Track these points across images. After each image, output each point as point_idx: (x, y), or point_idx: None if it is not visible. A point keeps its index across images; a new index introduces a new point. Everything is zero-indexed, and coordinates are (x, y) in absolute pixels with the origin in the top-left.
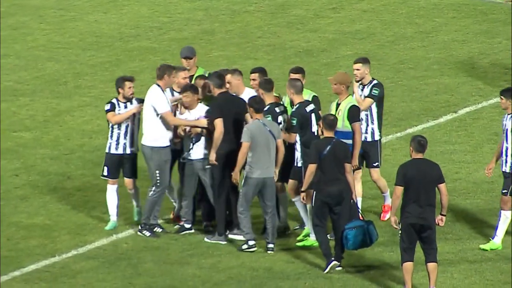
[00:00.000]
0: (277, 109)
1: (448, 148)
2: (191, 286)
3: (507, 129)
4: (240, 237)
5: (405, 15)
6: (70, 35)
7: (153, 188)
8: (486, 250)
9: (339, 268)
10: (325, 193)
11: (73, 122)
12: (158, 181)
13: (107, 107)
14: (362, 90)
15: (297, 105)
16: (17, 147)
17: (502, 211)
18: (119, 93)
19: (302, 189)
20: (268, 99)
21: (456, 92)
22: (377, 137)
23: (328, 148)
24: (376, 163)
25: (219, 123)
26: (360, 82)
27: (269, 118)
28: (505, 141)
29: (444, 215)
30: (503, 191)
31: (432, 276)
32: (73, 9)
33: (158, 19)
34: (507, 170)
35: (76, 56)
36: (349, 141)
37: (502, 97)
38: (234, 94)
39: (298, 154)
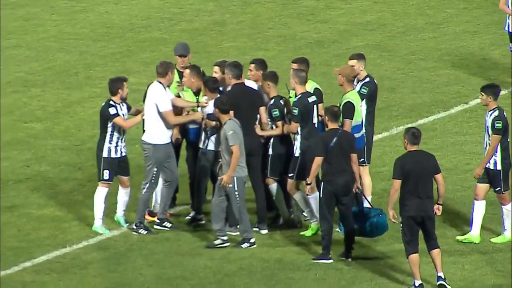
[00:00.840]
0: (281, 102)
1: (459, 139)
2: (202, 277)
3: (487, 126)
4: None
5: (416, 6)
6: (81, 26)
7: (147, 185)
8: (497, 243)
9: (349, 260)
10: (333, 185)
11: (84, 113)
12: (153, 178)
13: (113, 111)
14: (356, 86)
15: (300, 96)
16: (28, 138)
17: (502, 207)
18: (117, 94)
19: (308, 181)
20: (274, 91)
21: (467, 83)
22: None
23: (334, 139)
24: (362, 159)
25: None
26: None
27: (276, 113)
28: (486, 138)
29: (441, 204)
30: (496, 189)
31: (438, 262)
32: (84, 0)
33: (169, 10)
34: (491, 167)
35: (87, 47)
36: (358, 135)
37: (482, 93)
38: (249, 86)
39: (297, 144)
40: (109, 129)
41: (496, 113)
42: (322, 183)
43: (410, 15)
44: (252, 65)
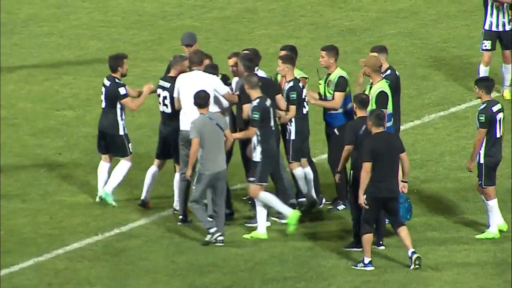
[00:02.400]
0: (300, 85)
1: None
2: (233, 265)
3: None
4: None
5: None
6: (113, 13)
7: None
8: (483, 238)
9: (382, 248)
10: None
11: None
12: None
13: (123, 91)
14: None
15: (258, 100)
16: (60, 125)
17: (486, 202)
18: (117, 71)
19: (339, 169)
20: (291, 74)
21: (500, 71)
22: None
23: (364, 127)
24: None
25: (245, 109)
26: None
27: (294, 96)
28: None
29: (406, 182)
30: (478, 183)
31: (407, 238)
32: None
33: None
34: (477, 160)
35: (119, 35)
36: (389, 124)
37: (475, 86)
38: (265, 76)
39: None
40: (119, 107)
41: (483, 106)
42: (352, 171)
43: (442, 2)
44: (284, 52)
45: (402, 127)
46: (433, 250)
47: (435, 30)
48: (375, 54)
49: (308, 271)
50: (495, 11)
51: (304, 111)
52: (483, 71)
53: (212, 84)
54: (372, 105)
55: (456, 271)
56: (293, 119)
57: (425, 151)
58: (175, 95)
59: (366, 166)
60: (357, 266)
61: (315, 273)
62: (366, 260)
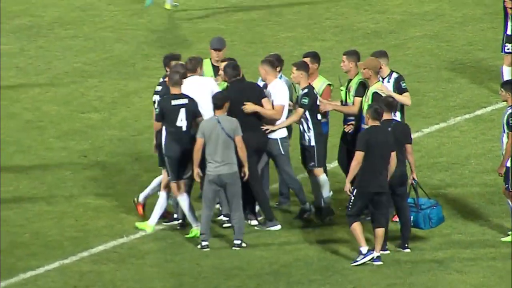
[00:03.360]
0: (315, 91)
1: None
2: (258, 268)
3: (503, 123)
4: (256, 222)
5: None
6: (138, 16)
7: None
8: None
9: (407, 250)
10: (392, 177)
11: (141, 104)
12: None
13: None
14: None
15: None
16: (86, 128)
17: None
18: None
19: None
20: (305, 81)
21: None
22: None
23: (389, 130)
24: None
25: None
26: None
27: (305, 101)
28: (504, 136)
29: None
30: (505, 186)
31: (379, 241)
32: None
33: (226, 0)
34: (508, 164)
35: (145, 38)
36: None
37: (501, 89)
38: (249, 82)
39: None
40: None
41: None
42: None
43: (468, 5)
44: (307, 59)
45: (427, 130)
46: (459, 253)
47: (460, 32)
48: (374, 57)
49: (333, 274)
50: None
51: (319, 116)
52: (507, 72)
53: (209, 87)
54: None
55: (482, 274)
56: (311, 127)
57: (451, 154)
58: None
59: (358, 155)
60: (357, 261)
61: (340, 276)
62: (364, 250)
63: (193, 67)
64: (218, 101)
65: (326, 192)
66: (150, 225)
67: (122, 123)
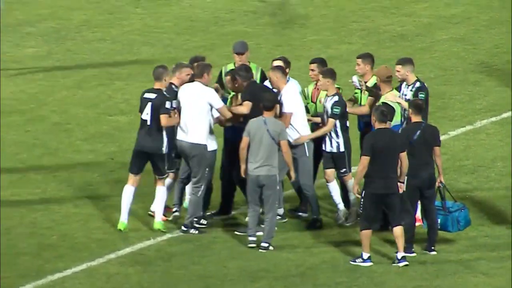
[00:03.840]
0: (343, 99)
1: None
2: (284, 270)
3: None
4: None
5: None
6: (165, 19)
7: (202, 186)
8: None
9: (434, 253)
10: (418, 178)
11: None
12: (205, 180)
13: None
14: (405, 89)
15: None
16: (113, 130)
17: None
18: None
19: (401, 180)
20: (333, 89)
21: None
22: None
23: (418, 132)
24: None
25: (247, 105)
26: (404, 82)
27: (337, 110)
28: None
29: (403, 182)
30: None
31: (400, 240)
32: None
33: (253, 3)
34: None
35: (171, 41)
36: None
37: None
38: (263, 85)
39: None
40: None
41: None
42: (406, 177)
43: (494, 8)
44: (314, 65)
45: (453, 133)
46: (485, 256)
47: (487, 35)
48: (400, 66)
49: (360, 276)
50: None
51: (348, 123)
52: None
53: (206, 98)
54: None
55: (508, 277)
56: (339, 132)
57: (477, 157)
58: (175, 105)
59: (364, 160)
60: (355, 262)
61: (366, 278)
62: (365, 256)
63: (200, 72)
64: (268, 103)
65: (352, 195)
66: (157, 222)
67: None
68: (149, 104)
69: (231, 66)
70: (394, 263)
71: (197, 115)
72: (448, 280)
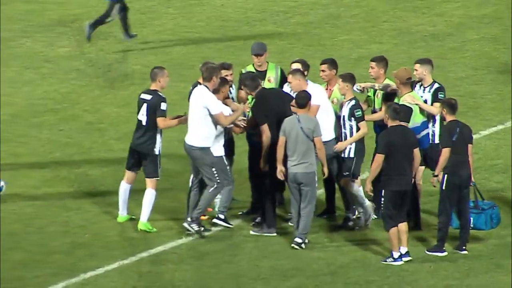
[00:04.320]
0: (360, 104)
1: None
2: (316, 269)
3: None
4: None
5: None
6: (197, 19)
7: (214, 185)
8: None
9: (465, 252)
10: (457, 176)
11: None
12: (217, 179)
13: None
14: (423, 91)
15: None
16: None
17: None
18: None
19: (436, 173)
20: (351, 93)
21: None
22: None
23: (457, 130)
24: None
25: (265, 128)
26: (419, 82)
27: (359, 113)
28: None
29: (414, 178)
30: None
31: (405, 236)
32: None
33: (284, 3)
34: None
35: (203, 40)
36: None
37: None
38: (273, 88)
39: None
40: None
41: None
42: (446, 175)
43: None
44: (325, 65)
45: (485, 132)
46: None
47: None
48: (418, 65)
49: (391, 275)
50: None
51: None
52: None
53: (204, 103)
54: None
55: None
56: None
57: (508, 156)
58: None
59: (378, 158)
60: (386, 261)
61: (397, 277)
62: (396, 255)
63: (209, 75)
64: (301, 100)
65: (362, 199)
66: (141, 222)
67: (181, 125)
68: (145, 105)
69: (250, 68)
70: (386, 260)
71: (197, 118)
72: (479, 279)
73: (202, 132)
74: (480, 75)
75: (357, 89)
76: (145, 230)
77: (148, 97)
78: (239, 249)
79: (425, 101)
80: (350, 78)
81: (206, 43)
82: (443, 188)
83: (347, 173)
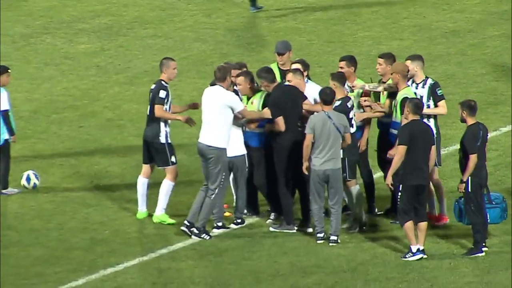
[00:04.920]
0: (348, 104)
1: None
2: (335, 265)
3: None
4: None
5: None
6: (217, 15)
7: (216, 190)
8: None
9: (485, 249)
10: (480, 177)
11: None
12: (222, 183)
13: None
14: (416, 87)
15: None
16: None
17: None
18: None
19: (464, 179)
20: (340, 93)
21: None
22: None
23: (481, 134)
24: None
25: (280, 121)
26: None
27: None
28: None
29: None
30: None
31: (423, 235)
32: None
33: (304, 0)
34: None
35: (223, 37)
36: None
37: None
38: (289, 85)
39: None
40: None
41: None
42: (470, 177)
43: None
44: (344, 63)
45: (505, 129)
46: None
47: None
48: (409, 61)
49: (410, 272)
50: None
51: (352, 130)
52: None
53: (227, 102)
54: (397, 111)
55: None
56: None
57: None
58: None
59: (401, 150)
60: (406, 257)
61: (418, 274)
62: (414, 249)
63: (222, 75)
64: (327, 97)
65: (357, 203)
66: (156, 215)
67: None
68: (150, 94)
69: (274, 66)
70: (406, 256)
71: (216, 119)
72: (499, 276)
73: (221, 132)
74: (500, 71)
75: (348, 85)
76: (160, 223)
77: (152, 86)
78: (258, 245)
79: (421, 97)
80: (339, 77)
81: (225, 40)
82: (469, 190)
83: (344, 174)
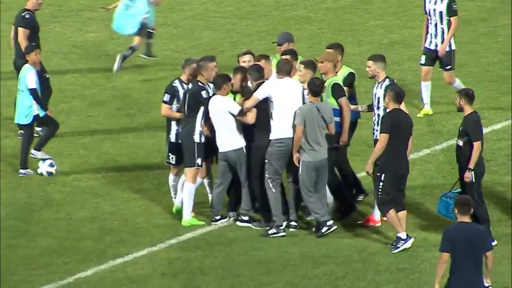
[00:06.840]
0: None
1: None
2: (346, 256)
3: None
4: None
5: None
6: (227, 4)
7: (269, 182)
8: None
9: (494, 243)
10: (482, 168)
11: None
12: (267, 173)
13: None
14: (376, 87)
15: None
16: None
17: None
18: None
19: (471, 167)
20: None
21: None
22: None
23: (481, 123)
24: None
25: (252, 113)
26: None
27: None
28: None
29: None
30: None
31: (404, 223)
32: None
33: None
34: None
35: (233, 25)
36: (337, 119)
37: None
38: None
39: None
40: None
41: None
42: (473, 169)
43: None
44: (370, 62)
45: None
46: None
47: None
48: (371, 62)
49: (421, 262)
50: None
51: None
52: None
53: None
54: (329, 97)
55: None
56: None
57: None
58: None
59: (383, 137)
60: (398, 247)
61: (429, 264)
62: (403, 235)
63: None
64: (317, 88)
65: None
66: (184, 220)
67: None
68: (187, 94)
69: (278, 57)
70: (398, 246)
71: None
72: (509, 267)
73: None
74: None
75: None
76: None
77: (188, 86)
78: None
79: (378, 98)
80: (311, 65)
81: (236, 28)
82: (473, 181)
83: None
